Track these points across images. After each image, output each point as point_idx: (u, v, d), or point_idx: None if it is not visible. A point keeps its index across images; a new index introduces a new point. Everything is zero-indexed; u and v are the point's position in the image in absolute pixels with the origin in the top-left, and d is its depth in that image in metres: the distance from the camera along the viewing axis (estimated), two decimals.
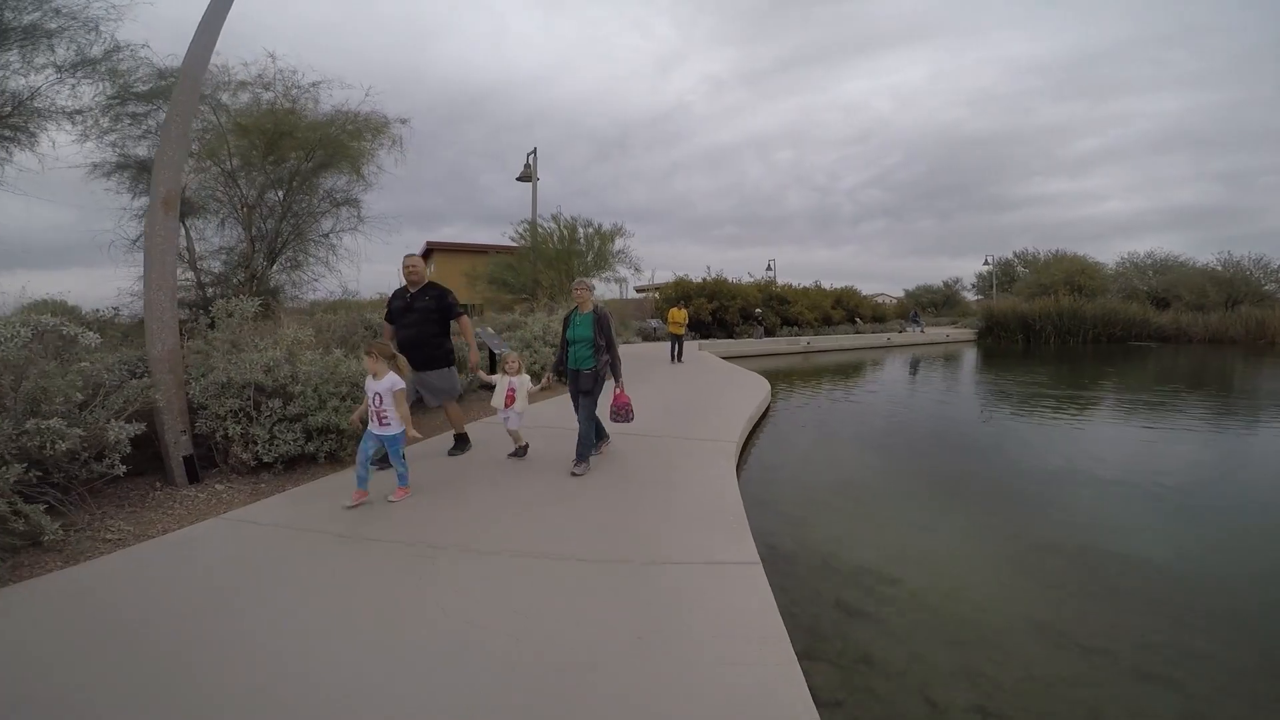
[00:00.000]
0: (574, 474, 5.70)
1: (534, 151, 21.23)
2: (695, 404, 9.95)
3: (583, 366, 6.04)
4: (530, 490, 5.30)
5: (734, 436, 7.50)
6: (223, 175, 12.58)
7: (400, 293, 6.35)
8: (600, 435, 6.44)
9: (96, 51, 11.06)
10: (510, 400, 6.30)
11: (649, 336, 29.54)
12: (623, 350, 18.77)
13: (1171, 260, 46.87)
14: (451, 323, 6.45)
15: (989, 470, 7.56)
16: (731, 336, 32.56)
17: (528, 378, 6.52)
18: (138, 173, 12.18)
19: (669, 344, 17.05)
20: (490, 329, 11.56)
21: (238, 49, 13.19)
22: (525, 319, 13.53)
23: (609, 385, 6.26)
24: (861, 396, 13.97)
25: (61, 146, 11.32)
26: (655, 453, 6.58)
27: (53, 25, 10.64)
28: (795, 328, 36.65)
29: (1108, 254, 69.19)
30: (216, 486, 5.71)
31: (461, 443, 6.87)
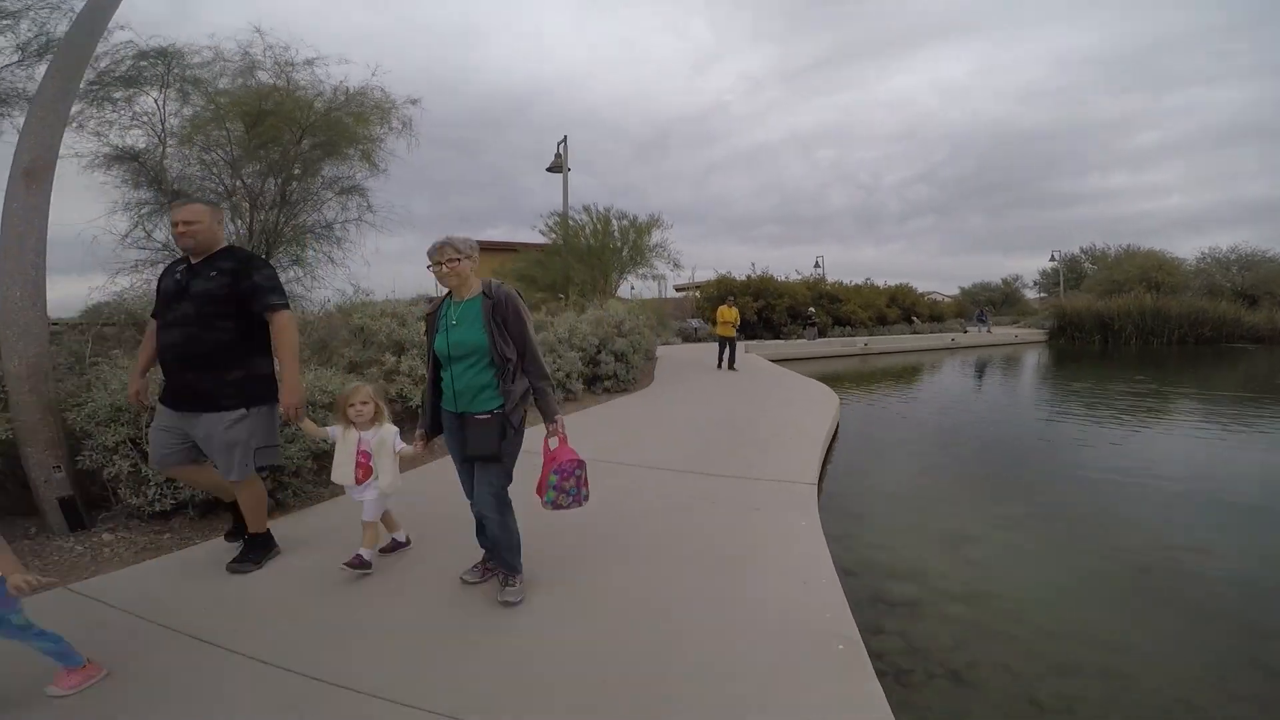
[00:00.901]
0: (505, 602, 3.05)
1: (564, 140, 19.64)
2: (750, 424, 8.09)
3: (473, 409, 3.05)
4: (422, 641, 2.71)
5: (808, 474, 5.63)
6: (203, 163, 11.27)
7: (172, 267, 3.50)
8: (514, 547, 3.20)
9: (60, 31, 9.84)
10: (364, 470, 3.45)
11: (690, 337, 27.70)
12: (663, 353, 16.98)
13: (1258, 255, 42.75)
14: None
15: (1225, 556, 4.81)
16: (779, 337, 30.45)
17: (393, 430, 3.54)
18: (131, 164, 10.93)
19: (716, 347, 15.03)
20: None
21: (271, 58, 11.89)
22: (550, 319, 11.86)
23: (533, 436, 3.37)
24: (944, 409, 11.85)
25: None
26: (695, 507, 4.74)
27: (15, 6, 9.48)
28: (848, 328, 34.28)
29: (1175, 249, 64.22)
30: (104, 536, 4.18)
31: (255, 549, 3.62)
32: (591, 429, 7.85)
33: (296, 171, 11.96)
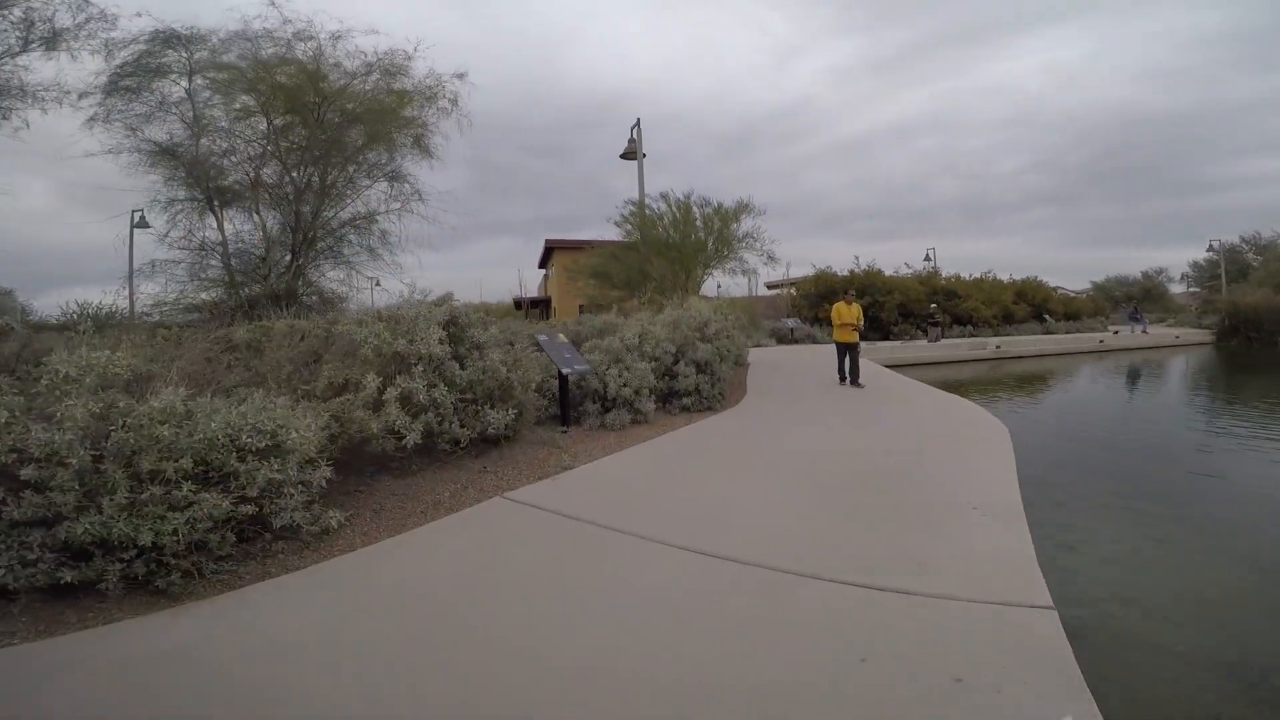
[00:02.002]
0: None
1: (637, 124, 17.57)
2: (900, 475, 5.62)
3: None
4: None
5: (1031, 587, 3.16)
6: (237, 154, 9.95)
7: None
8: None
9: (66, 21, 8.77)
10: None
11: (785, 338, 24.93)
12: (755, 356, 14.48)
13: None
14: None
15: None
16: (888, 338, 27.06)
17: None
18: (158, 156, 9.75)
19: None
20: (563, 335, 7.85)
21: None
22: (620, 320, 9.76)
23: None
24: (1164, 446, 8.74)
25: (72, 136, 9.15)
26: (827, 679, 2.43)
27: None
28: (968, 326, 30.27)
29: None
30: None
31: None
32: (654, 475, 5.65)
33: (336, 159, 10.50)
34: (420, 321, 5.60)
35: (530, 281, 43.97)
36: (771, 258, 16.81)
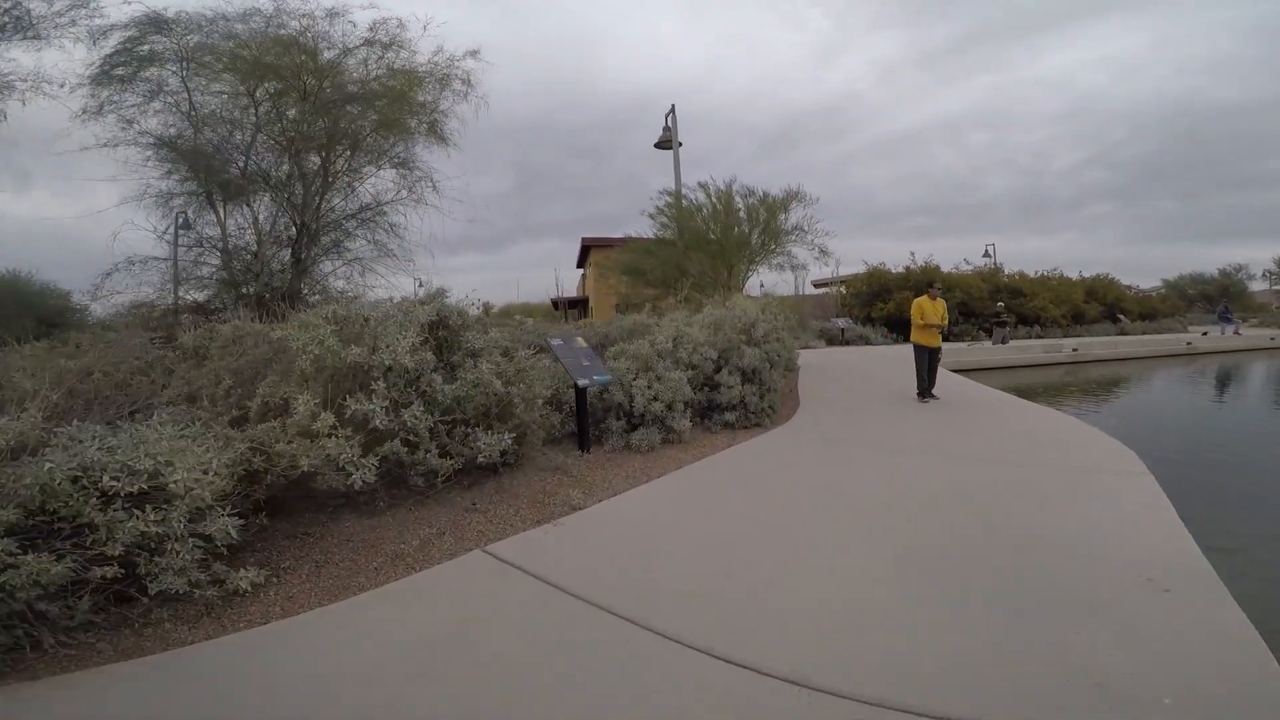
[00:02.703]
0: None
1: (671, 111, 16.26)
2: (1034, 542, 4.24)
3: None
4: None
5: None
6: (232, 143, 9.07)
7: None
8: None
9: (42, 9, 7.99)
10: None
11: (834, 340, 23.28)
12: (807, 360, 12.86)
13: None
14: None
15: None
16: (946, 340, 25.10)
17: None
18: (152, 148, 8.92)
19: (915, 362, 9.59)
20: (582, 339, 6.61)
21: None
22: (653, 321, 8.49)
23: None
24: None
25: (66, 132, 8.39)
26: None
27: None
28: (1035, 326, 27.99)
29: None
30: None
31: None
32: (685, 523, 4.37)
33: (340, 146, 9.53)
34: (388, 324, 4.43)
35: (569, 282, 43.19)
36: (823, 252, 15.26)
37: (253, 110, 8.96)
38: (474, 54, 10.02)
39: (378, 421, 4.07)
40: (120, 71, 8.70)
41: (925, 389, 9.22)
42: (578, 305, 34.84)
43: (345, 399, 3.99)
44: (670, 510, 4.65)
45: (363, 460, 3.76)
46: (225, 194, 9.14)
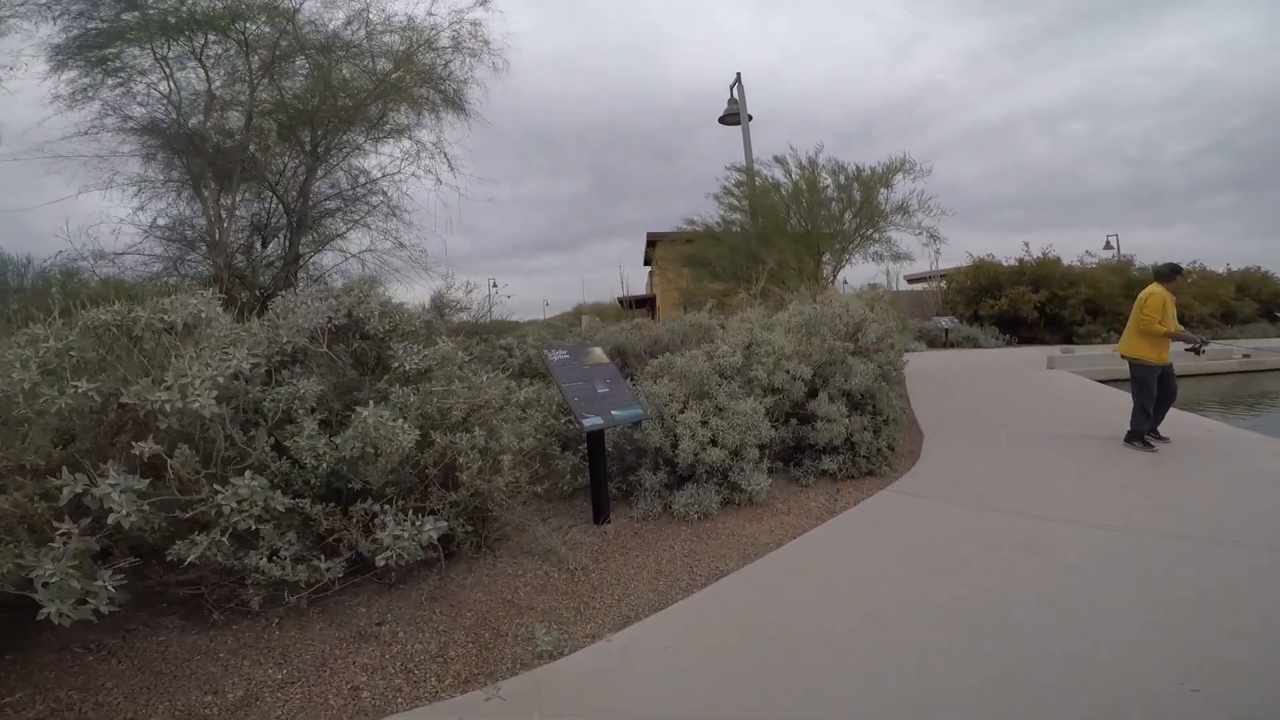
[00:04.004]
0: None
1: (737, 80, 13.83)
2: None
3: None
4: None
5: None
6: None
7: None
8: None
9: None
10: None
11: (935, 342, 20.15)
12: (915, 367, 9.77)
13: None
14: None
15: None
16: (1070, 341, 21.36)
17: None
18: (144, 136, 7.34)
19: (1148, 387, 5.84)
20: (600, 352, 4.36)
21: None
22: (718, 323, 6.16)
23: None
24: None
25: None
26: None
27: None
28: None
29: None
30: None
31: None
32: (756, 706, 2.04)
33: (331, 117, 7.72)
34: (204, 340, 2.38)
35: (636, 280, 41.28)
36: (933, 236, 12.38)
37: (201, 71, 7.20)
38: (484, 2, 8.02)
39: (122, 515, 2.01)
40: (94, 54, 7.17)
41: (1153, 427, 6.01)
42: (645, 304, 32.82)
43: (61, 474, 1.94)
44: (727, 669, 2.38)
45: (63, 583, 1.70)
46: (219, 179, 7.50)
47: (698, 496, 4.07)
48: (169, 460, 2.45)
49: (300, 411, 2.77)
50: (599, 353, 4.17)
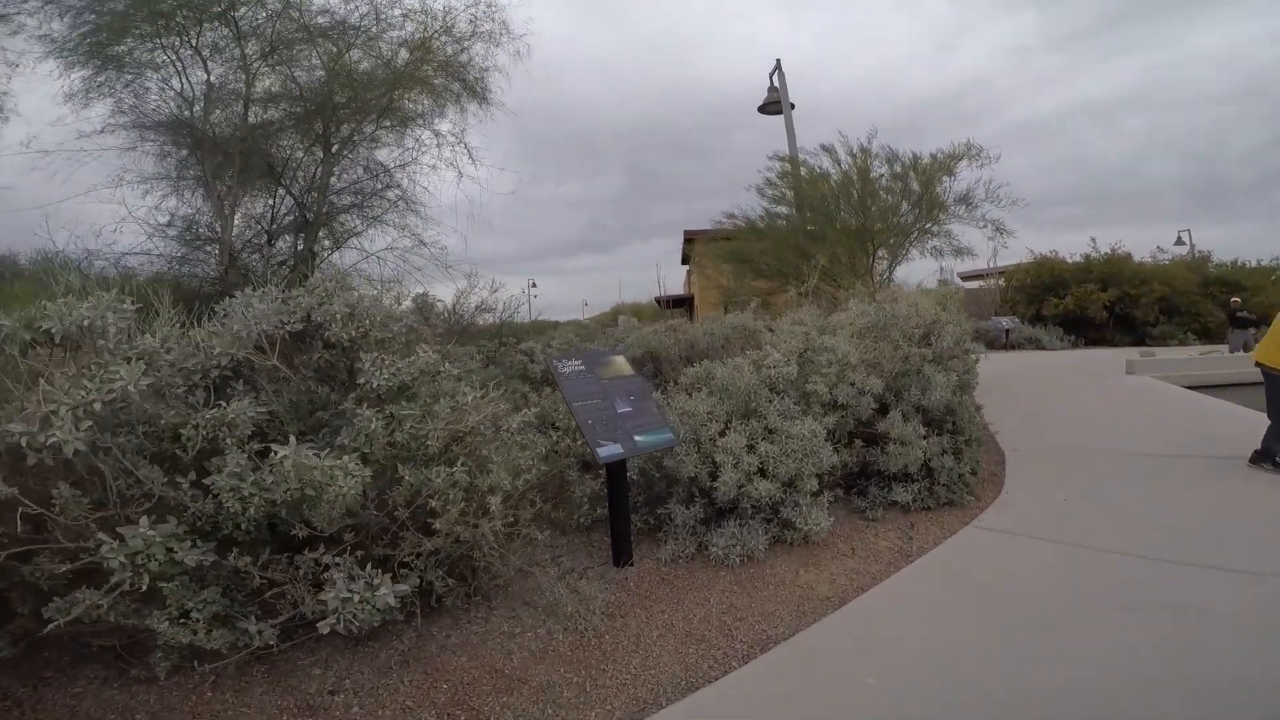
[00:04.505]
0: None
1: (777, 67, 12.95)
2: None
3: None
4: None
5: None
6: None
7: None
8: None
9: None
10: None
11: (995, 343, 18.85)
12: (981, 373, 8.64)
13: None
14: None
15: None
16: (1142, 343, 19.77)
17: None
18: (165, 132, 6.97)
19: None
20: (623, 361, 3.64)
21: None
22: (764, 325, 5.37)
23: None
24: None
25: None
26: None
27: None
28: (1262, 327, 21.69)
29: None
30: None
31: None
32: None
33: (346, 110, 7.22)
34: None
35: (674, 280, 40.42)
36: (999, 230, 11.28)
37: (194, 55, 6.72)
38: None
39: None
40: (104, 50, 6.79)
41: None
42: (682, 304, 32.01)
43: None
44: None
45: None
46: (241, 175, 7.07)
47: (740, 536, 3.34)
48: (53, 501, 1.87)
49: (228, 441, 2.14)
50: (621, 363, 3.46)
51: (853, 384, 3.57)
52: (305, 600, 2.19)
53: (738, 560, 3.33)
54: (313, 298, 2.58)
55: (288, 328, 2.50)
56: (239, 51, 6.25)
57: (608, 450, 2.89)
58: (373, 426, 2.26)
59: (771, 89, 13.21)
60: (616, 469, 3.04)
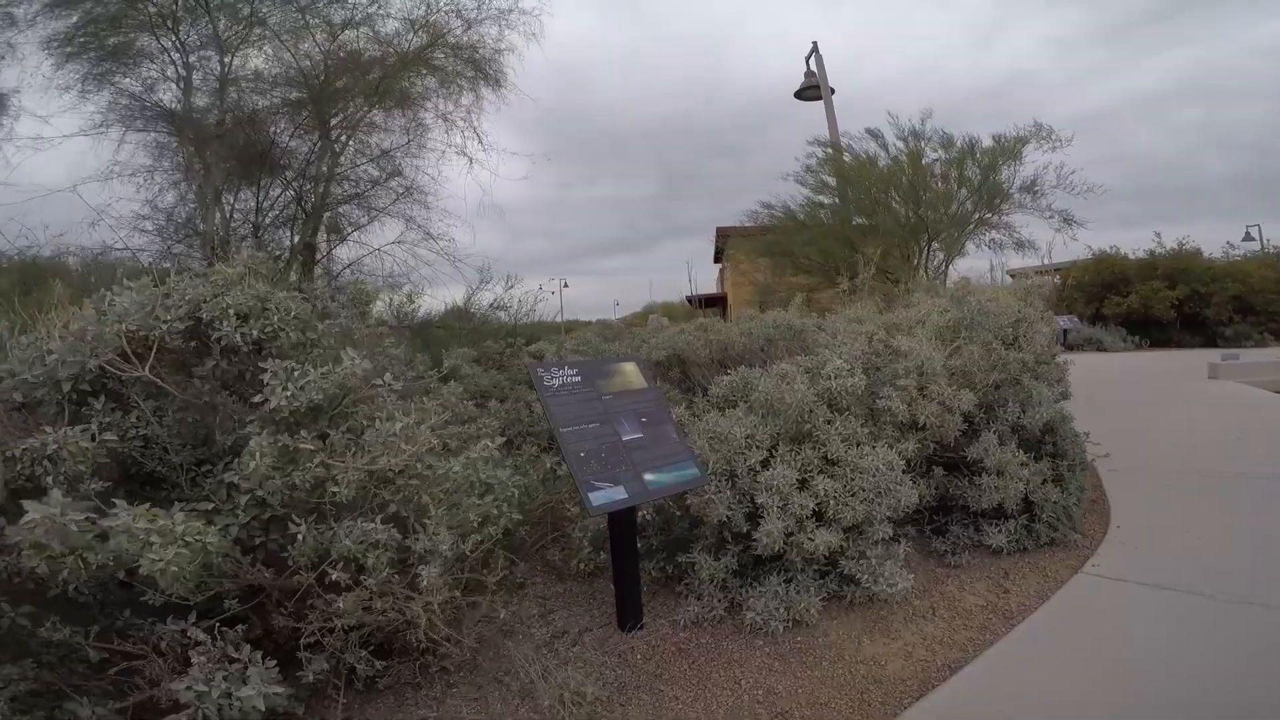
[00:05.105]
0: None
1: (814, 50, 12.03)
2: None
3: None
4: None
5: None
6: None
7: None
8: None
9: None
10: None
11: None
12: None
13: None
14: None
15: None
16: (1213, 344, 18.25)
17: None
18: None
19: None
20: (634, 371, 2.85)
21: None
22: (810, 322, 4.56)
23: None
24: None
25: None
26: None
27: None
28: None
29: None
30: None
31: None
32: None
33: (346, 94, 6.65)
34: None
35: (705, 279, 39.44)
36: (1067, 221, 10.22)
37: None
38: None
39: None
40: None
41: None
42: (714, 303, 31.08)
43: None
44: None
45: None
46: (242, 168, 6.53)
47: (786, 596, 2.55)
48: None
49: (50, 480, 1.47)
50: (631, 373, 2.68)
51: (940, 400, 2.74)
52: (165, 678, 1.52)
53: (781, 624, 2.55)
54: (198, 289, 1.89)
55: (165, 326, 1.83)
56: (210, 24, 5.69)
57: (604, 496, 2.12)
58: (253, 465, 1.57)
59: (808, 73, 12.30)
60: (622, 519, 2.29)
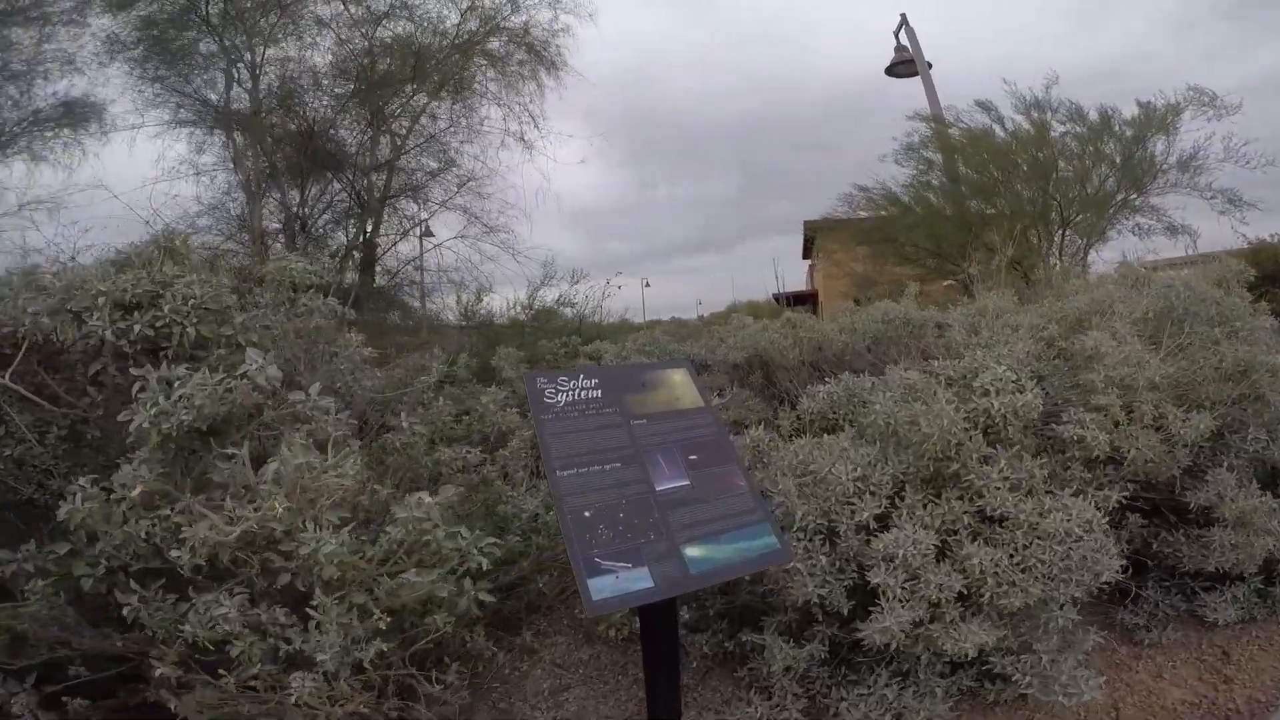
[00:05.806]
0: None
1: (903, 23, 10.62)
2: None
3: None
4: None
5: None
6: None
7: None
8: None
9: None
10: None
11: None
12: None
13: None
14: None
15: None
16: None
17: None
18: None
19: None
20: (684, 380, 2.00)
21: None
22: (934, 319, 3.63)
23: None
24: None
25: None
26: None
27: None
28: None
29: None
30: None
31: None
32: None
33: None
34: None
35: (793, 277, 37.80)
36: (1232, 201, 8.61)
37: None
38: None
39: None
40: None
41: None
42: (804, 301, 29.58)
43: None
44: None
45: None
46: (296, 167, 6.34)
47: (898, 703, 1.76)
48: None
49: None
50: (680, 384, 1.86)
51: (1156, 426, 1.82)
52: None
53: None
54: (67, 276, 1.36)
55: (29, 319, 1.30)
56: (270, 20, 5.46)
57: (614, 586, 1.36)
58: (66, 510, 1.00)
59: (899, 48, 10.91)
60: (663, 615, 1.54)
